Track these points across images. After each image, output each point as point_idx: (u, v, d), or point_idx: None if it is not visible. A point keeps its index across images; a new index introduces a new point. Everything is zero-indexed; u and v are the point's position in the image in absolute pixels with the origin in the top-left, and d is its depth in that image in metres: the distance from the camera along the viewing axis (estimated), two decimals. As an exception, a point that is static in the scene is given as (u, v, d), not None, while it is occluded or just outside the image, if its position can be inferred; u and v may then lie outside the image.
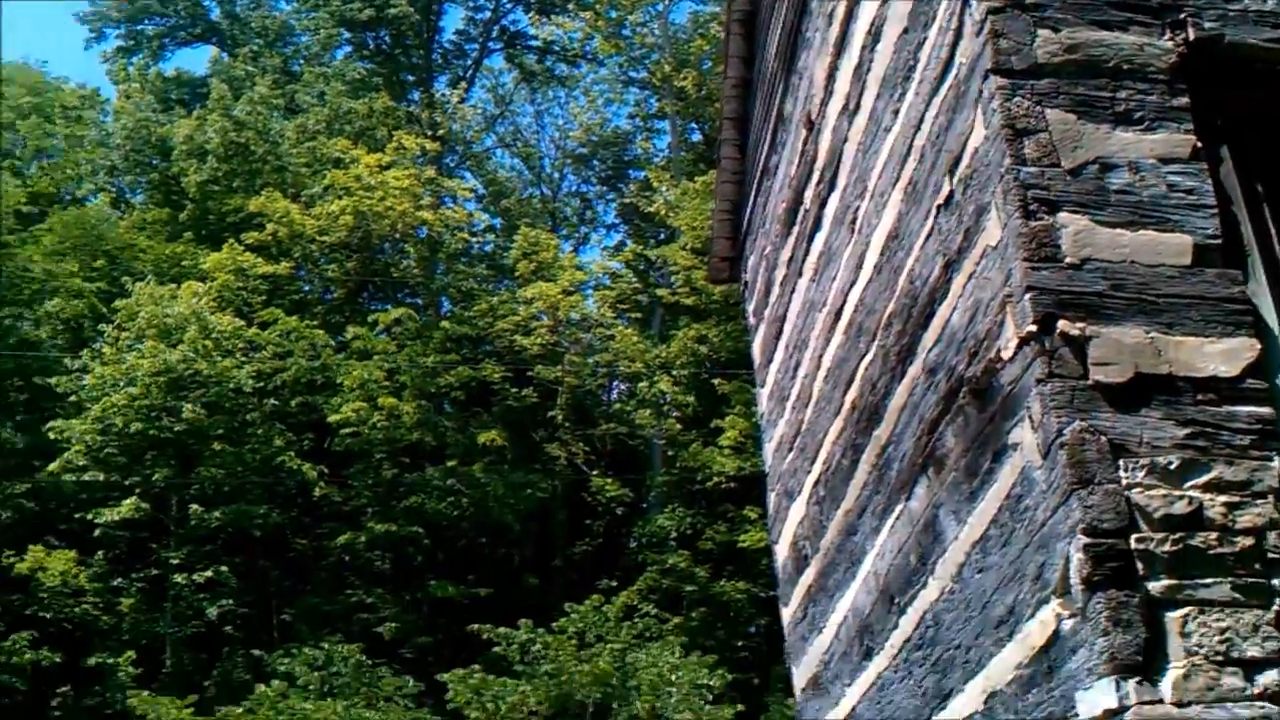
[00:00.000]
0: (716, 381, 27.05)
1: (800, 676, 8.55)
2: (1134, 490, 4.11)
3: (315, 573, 24.71)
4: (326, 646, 20.43)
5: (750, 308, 9.95)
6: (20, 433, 24.32)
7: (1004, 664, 4.80)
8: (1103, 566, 4.00)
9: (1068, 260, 4.43)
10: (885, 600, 6.32)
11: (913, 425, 5.80)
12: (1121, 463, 4.15)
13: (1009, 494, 4.67)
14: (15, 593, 21.49)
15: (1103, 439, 4.17)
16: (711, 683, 19.89)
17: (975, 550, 5.07)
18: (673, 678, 19.78)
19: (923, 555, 5.73)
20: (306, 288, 29.29)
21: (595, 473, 26.50)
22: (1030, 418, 4.40)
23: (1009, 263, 4.55)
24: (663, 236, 31.66)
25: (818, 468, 7.71)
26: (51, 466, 22.62)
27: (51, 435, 22.88)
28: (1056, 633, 4.28)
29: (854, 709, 7.03)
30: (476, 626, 20.91)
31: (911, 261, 5.77)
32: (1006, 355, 4.61)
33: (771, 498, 9.24)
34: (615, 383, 30.11)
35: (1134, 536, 4.05)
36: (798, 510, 8.33)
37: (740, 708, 20.30)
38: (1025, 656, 4.57)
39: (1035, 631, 4.47)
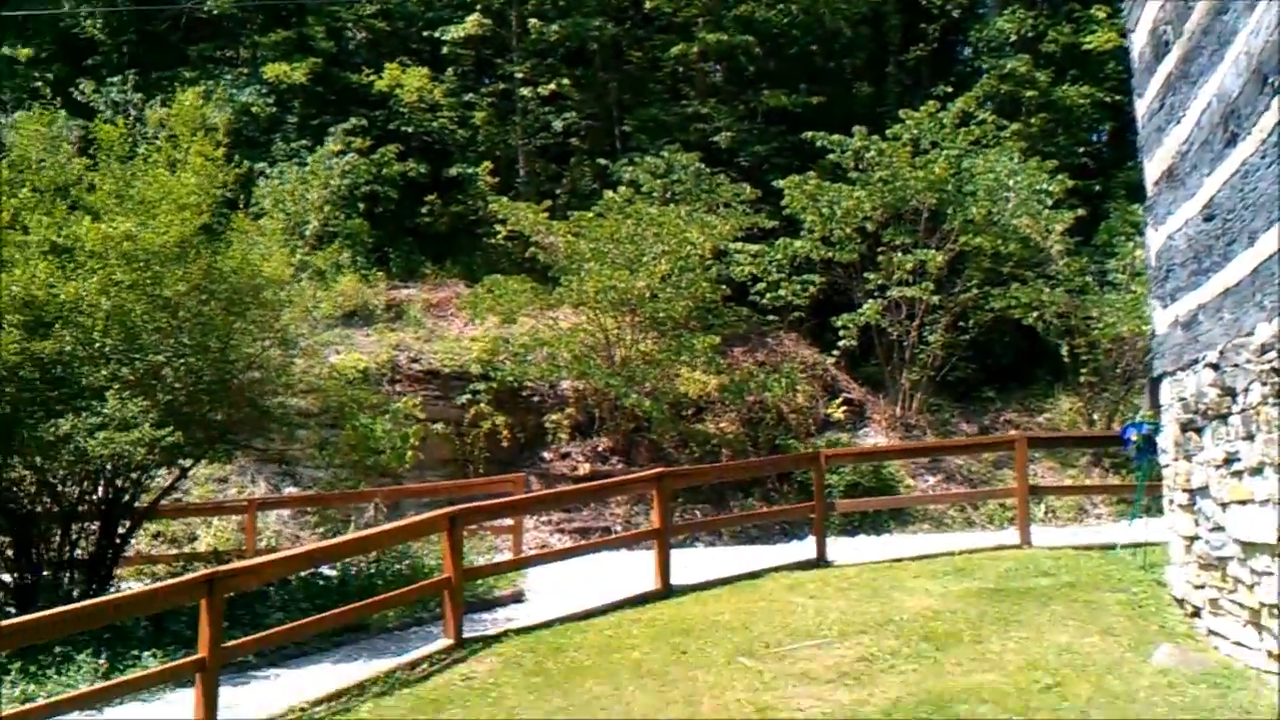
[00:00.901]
0: None
1: (1153, 170, 8.34)
2: None
3: (651, 85, 25.21)
4: (666, 155, 21.17)
5: None
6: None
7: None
8: None
9: None
10: (1257, 81, 5.96)
11: (1309, -118, 5.23)
12: None
13: None
14: (377, 109, 23.05)
15: None
16: (1050, 188, 19.55)
17: (1371, 18, 4.67)
18: (1010, 183, 19.55)
19: (1307, 28, 5.32)
20: None
21: (930, -28, 25.24)
22: None
23: None
24: None
25: (1188, -57, 7.12)
26: (398, -19, 23.54)
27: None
28: None
29: (1212, 198, 6.84)
30: (810, 134, 21.05)
31: None
32: None
33: (1131, -18, 8.66)
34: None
35: None
36: (1161, -7, 7.80)
37: (1080, 212, 19.99)
38: None
39: None
